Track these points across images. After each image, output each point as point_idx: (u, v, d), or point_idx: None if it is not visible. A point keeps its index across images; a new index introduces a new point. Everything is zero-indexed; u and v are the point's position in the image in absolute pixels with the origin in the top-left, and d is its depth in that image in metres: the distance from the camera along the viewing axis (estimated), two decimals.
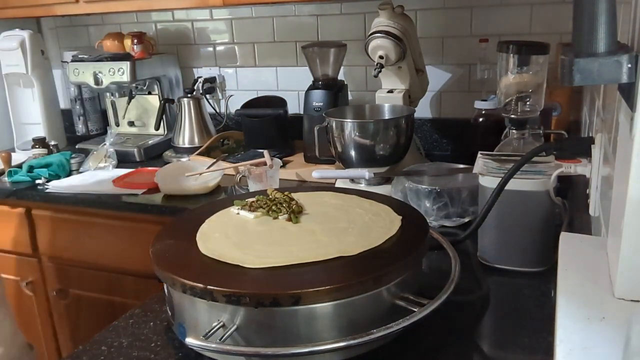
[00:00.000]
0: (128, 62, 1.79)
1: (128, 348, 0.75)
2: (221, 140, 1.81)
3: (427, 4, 1.67)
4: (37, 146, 1.80)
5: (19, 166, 1.71)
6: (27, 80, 1.99)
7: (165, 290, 0.76)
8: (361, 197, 0.94)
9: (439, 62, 1.71)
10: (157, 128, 1.89)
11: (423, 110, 1.73)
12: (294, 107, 1.87)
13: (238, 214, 0.89)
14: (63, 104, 2.24)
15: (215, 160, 1.57)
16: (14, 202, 1.64)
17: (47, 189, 1.60)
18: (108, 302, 1.62)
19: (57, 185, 1.61)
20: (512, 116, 1.10)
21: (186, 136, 1.82)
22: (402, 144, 1.32)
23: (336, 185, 1.33)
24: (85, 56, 1.86)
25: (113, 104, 2.00)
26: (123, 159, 1.79)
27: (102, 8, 1.76)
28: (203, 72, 2.05)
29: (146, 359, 0.73)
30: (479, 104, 1.44)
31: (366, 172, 1.26)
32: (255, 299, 0.65)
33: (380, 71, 1.37)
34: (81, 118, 2.15)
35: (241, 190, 1.43)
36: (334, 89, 1.58)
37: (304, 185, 1.45)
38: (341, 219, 0.84)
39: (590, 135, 1.13)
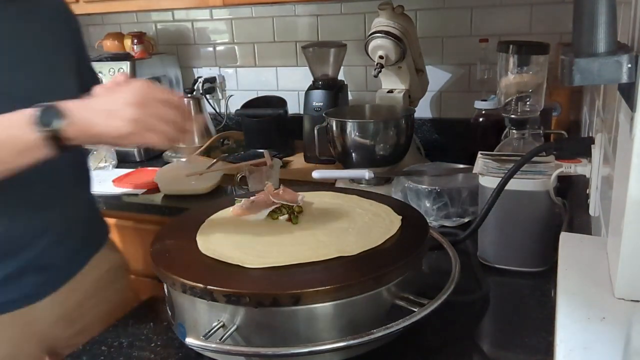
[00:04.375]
0: (128, 62, 1.79)
1: (128, 348, 0.75)
2: (221, 140, 1.81)
3: (427, 4, 1.67)
4: None
5: None
6: None
7: (165, 290, 0.76)
8: (361, 197, 0.94)
9: (439, 62, 1.71)
10: None
11: (423, 110, 1.73)
12: (294, 107, 1.87)
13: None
14: None
15: (215, 160, 1.57)
16: None
17: None
18: None
19: None
20: (512, 116, 1.10)
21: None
22: (402, 144, 1.32)
23: (336, 185, 1.33)
24: None
25: None
26: (123, 159, 1.79)
27: (102, 8, 1.76)
28: (203, 72, 2.05)
29: (146, 359, 0.73)
30: (479, 104, 1.44)
31: (366, 172, 1.25)
32: (255, 299, 0.65)
33: (380, 71, 1.36)
34: None
35: (241, 190, 1.43)
36: (334, 89, 1.58)
37: (304, 186, 1.45)
38: (341, 219, 0.84)
39: (590, 135, 1.13)
